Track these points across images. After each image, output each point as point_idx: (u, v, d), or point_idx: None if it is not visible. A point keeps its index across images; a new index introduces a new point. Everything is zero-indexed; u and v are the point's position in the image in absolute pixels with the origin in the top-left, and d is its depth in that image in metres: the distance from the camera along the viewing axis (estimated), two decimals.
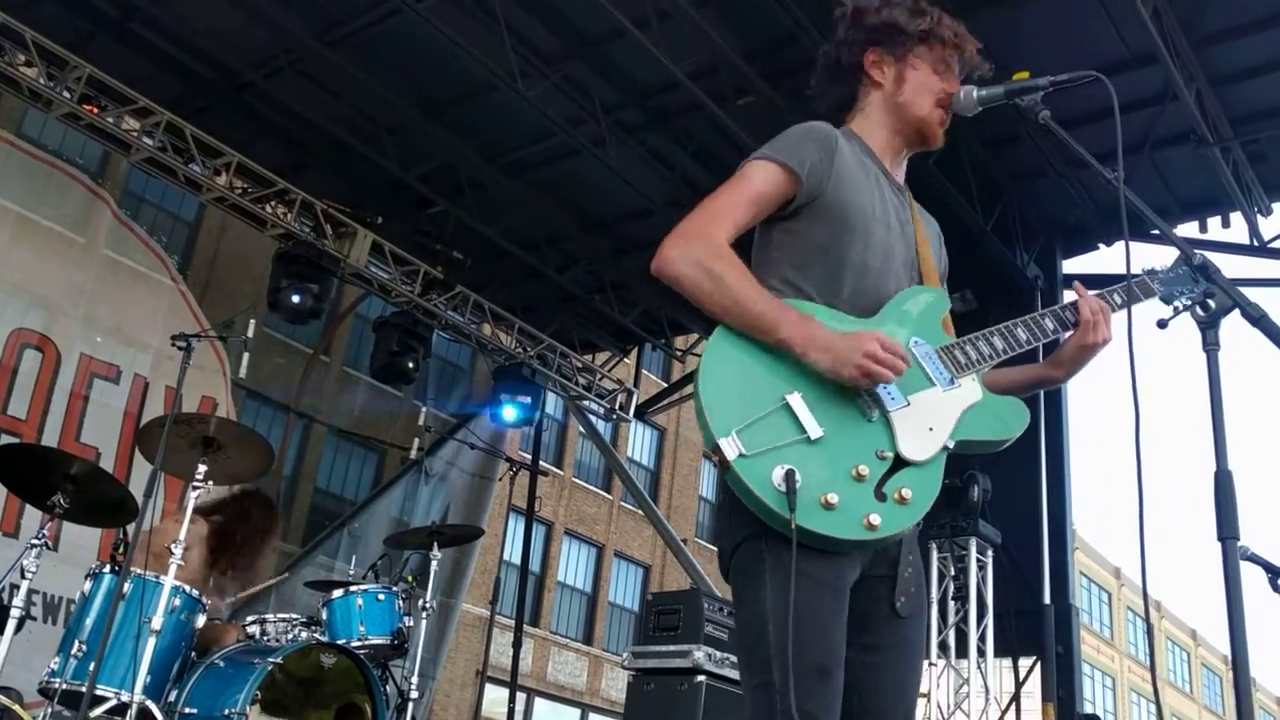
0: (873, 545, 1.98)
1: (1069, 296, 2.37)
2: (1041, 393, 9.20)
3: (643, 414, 11.44)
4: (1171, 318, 2.28)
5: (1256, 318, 1.91)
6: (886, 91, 2.29)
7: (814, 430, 1.95)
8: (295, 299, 7.75)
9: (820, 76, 2.38)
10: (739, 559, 2.02)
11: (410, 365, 8.83)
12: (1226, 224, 8.51)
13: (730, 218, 2.09)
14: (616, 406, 10.55)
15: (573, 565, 23.54)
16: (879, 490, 1.95)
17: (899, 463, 1.98)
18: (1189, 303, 2.25)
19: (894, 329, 2.10)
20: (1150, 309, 2.33)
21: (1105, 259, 9.45)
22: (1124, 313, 2.38)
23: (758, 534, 1.95)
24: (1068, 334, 2.27)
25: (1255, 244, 8.23)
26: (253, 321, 6.04)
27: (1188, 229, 8.58)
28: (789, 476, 1.87)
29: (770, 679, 1.89)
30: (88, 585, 4.45)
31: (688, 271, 2.02)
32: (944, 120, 2.29)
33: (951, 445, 2.06)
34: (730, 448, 1.90)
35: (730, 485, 1.93)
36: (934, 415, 2.05)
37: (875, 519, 1.92)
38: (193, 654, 4.56)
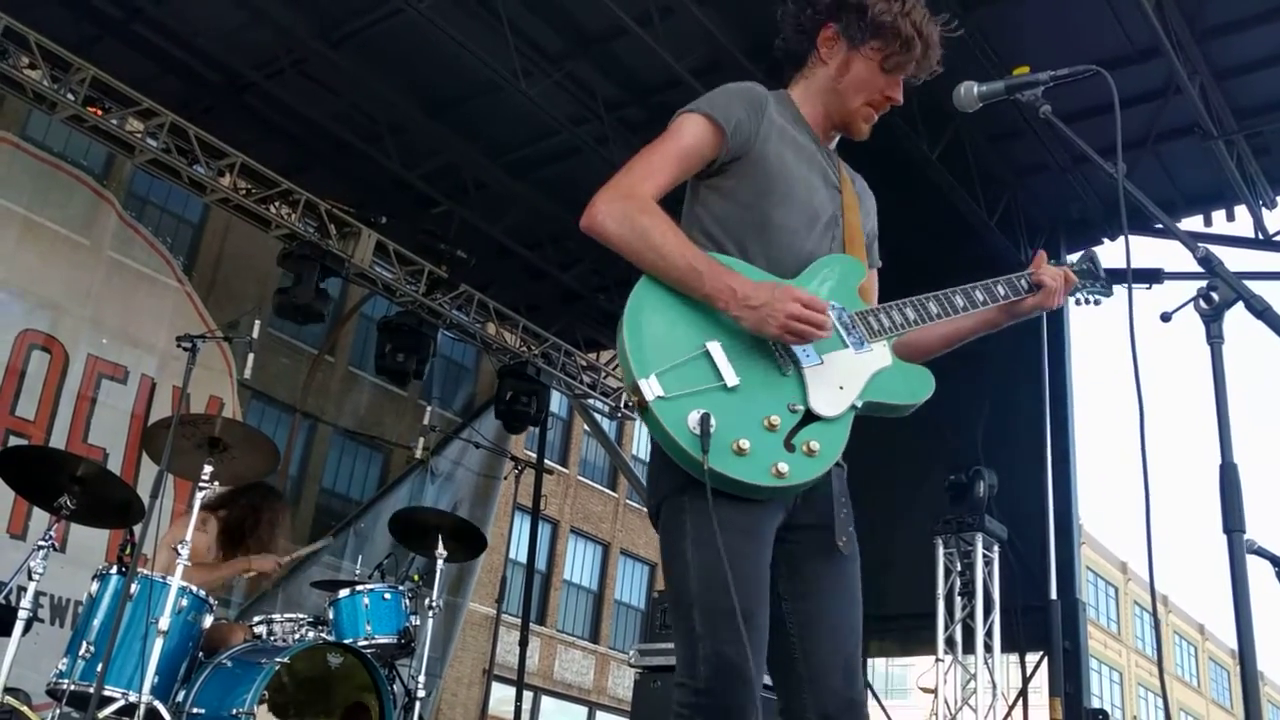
0: (781, 493, 2.04)
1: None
2: (1047, 390, 9.08)
3: None
4: (1086, 300, 2.56)
5: (1260, 310, 1.91)
6: (829, 73, 2.30)
7: (731, 378, 2.02)
8: (300, 299, 7.76)
9: (785, 26, 2.38)
10: (664, 514, 2.09)
11: (415, 365, 8.83)
12: (1231, 217, 8.49)
13: (660, 173, 2.15)
14: (621, 404, 10.55)
15: (578, 564, 23.55)
16: (788, 441, 2.02)
17: (809, 417, 2.06)
18: (1088, 298, 2.55)
19: (811, 288, 2.16)
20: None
21: (1110, 252, 9.43)
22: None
23: (680, 488, 2.01)
24: (977, 310, 2.33)
25: (1260, 237, 8.21)
26: (257, 322, 6.04)
27: (1192, 222, 8.57)
28: (704, 420, 1.94)
29: (693, 625, 1.96)
30: (95, 586, 4.46)
31: (616, 228, 2.09)
32: (870, 118, 2.32)
33: (860, 405, 2.14)
34: (649, 389, 1.96)
35: (648, 427, 1.99)
36: (845, 375, 2.13)
37: (783, 467, 1.99)
38: (200, 654, 4.57)
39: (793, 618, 2.10)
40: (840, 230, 2.30)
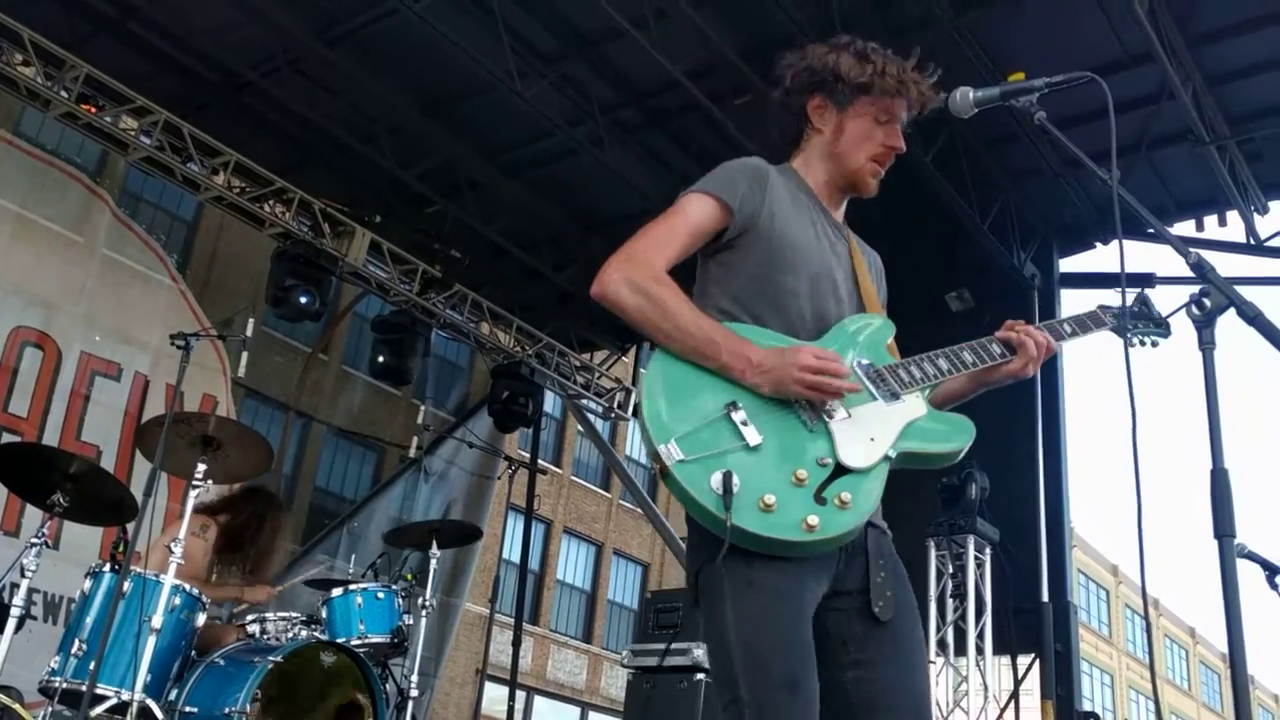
0: (814, 548, 1.97)
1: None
2: (1039, 391, 9.10)
3: None
4: (1142, 342, 2.45)
5: (1252, 316, 1.92)
6: (825, 139, 2.31)
7: (753, 439, 1.98)
8: (294, 298, 7.75)
9: (770, 115, 2.41)
10: (702, 583, 2.04)
11: (409, 364, 8.84)
12: (1223, 222, 8.52)
13: (669, 246, 2.14)
14: (614, 405, 10.55)
15: (572, 563, 23.54)
16: (819, 495, 1.96)
17: (840, 470, 2.00)
18: (1142, 340, 2.44)
19: (837, 349, 2.13)
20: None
21: (1102, 257, 9.47)
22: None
23: (715, 556, 1.95)
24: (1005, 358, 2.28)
25: (1252, 242, 8.24)
26: (251, 320, 6.05)
27: (1185, 227, 8.60)
28: (726, 478, 1.90)
29: (739, 695, 1.90)
30: (88, 584, 4.46)
31: (629, 297, 2.07)
32: (877, 172, 2.32)
33: (894, 455, 2.08)
34: (669, 454, 1.93)
35: (673, 494, 1.94)
36: (876, 426, 2.08)
37: (814, 520, 1.93)
38: (193, 653, 4.56)
39: (855, 686, 2.04)
40: (857, 297, 2.28)
